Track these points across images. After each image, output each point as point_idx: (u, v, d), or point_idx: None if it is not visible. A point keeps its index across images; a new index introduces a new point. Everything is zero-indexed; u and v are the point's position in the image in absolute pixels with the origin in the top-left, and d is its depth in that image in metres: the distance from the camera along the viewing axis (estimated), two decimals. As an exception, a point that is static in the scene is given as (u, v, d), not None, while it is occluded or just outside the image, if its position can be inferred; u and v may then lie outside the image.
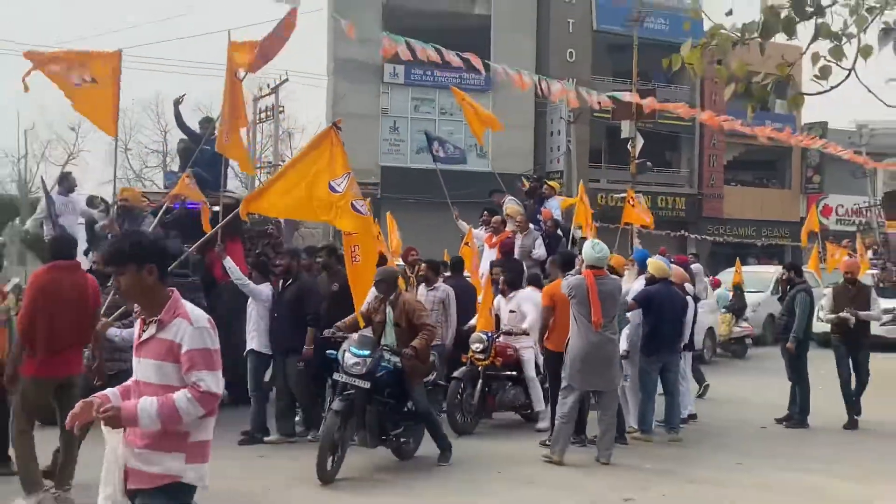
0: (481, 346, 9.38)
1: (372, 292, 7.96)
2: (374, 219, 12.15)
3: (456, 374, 9.49)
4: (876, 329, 11.68)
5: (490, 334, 9.53)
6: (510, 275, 10.22)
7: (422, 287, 10.23)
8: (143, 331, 3.73)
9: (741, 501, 7.13)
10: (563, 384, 8.28)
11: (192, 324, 3.63)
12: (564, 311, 8.52)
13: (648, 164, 29.76)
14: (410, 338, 7.66)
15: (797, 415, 10.41)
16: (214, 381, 3.62)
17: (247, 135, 10.41)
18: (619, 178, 31.21)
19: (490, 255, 11.82)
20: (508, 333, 9.75)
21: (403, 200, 25.52)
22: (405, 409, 7.89)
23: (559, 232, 12.14)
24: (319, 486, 7.08)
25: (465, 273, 11.33)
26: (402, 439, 7.91)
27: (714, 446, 9.20)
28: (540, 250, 11.49)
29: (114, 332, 6.95)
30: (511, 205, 12.23)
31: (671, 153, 36.27)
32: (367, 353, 7.39)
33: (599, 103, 11.89)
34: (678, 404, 9.55)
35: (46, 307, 6.21)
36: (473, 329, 9.75)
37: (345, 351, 7.51)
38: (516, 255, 11.51)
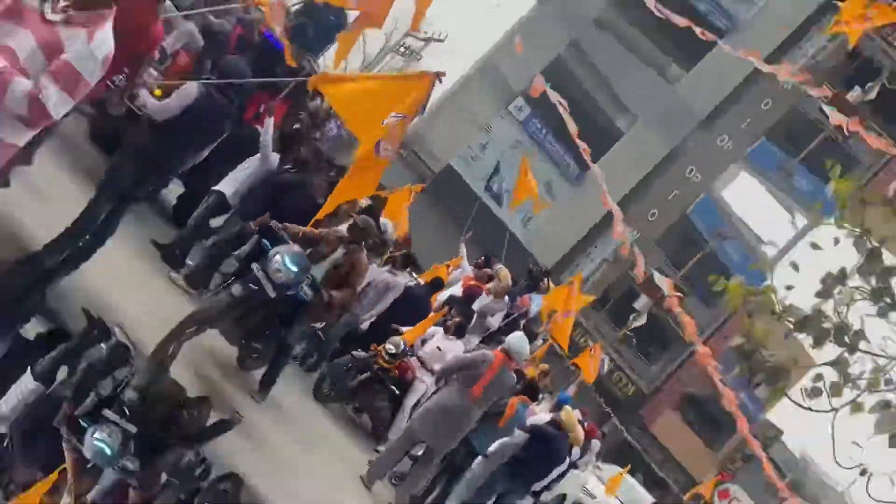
0: (394, 350, 9.36)
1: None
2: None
3: (357, 353, 9.50)
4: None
5: (408, 349, 9.51)
6: (462, 321, 10.22)
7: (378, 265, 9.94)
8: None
9: None
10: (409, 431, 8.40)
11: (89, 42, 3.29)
12: None
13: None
14: (336, 287, 7.42)
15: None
16: (58, 100, 3.28)
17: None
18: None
19: (456, 290, 11.84)
20: (421, 361, 9.72)
21: (442, 202, 25.54)
22: (276, 334, 7.52)
23: (520, 323, 11.92)
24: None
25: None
26: (253, 354, 7.60)
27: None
28: (495, 322, 11.40)
29: (144, 93, 6.74)
30: (506, 271, 12.15)
31: (658, 348, 36.22)
32: (296, 271, 6.95)
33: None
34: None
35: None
36: (400, 333, 9.71)
37: (278, 253, 7.01)
38: (475, 307, 11.40)
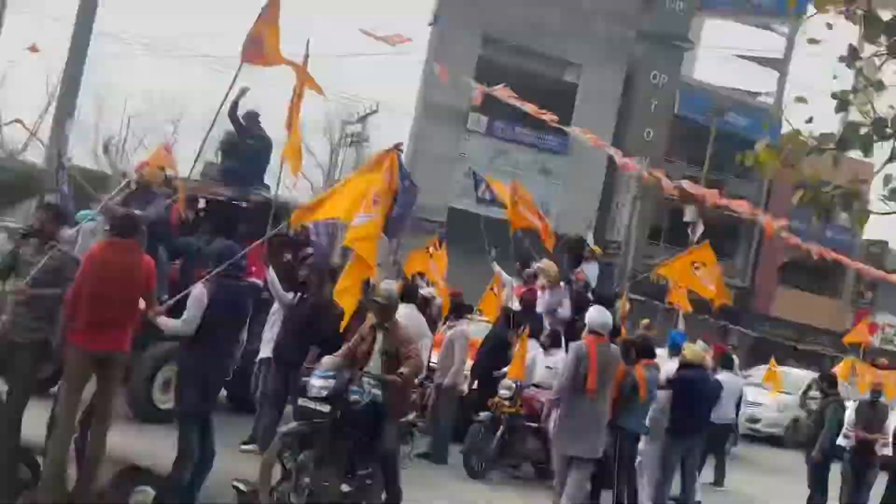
0: (509, 394, 9.29)
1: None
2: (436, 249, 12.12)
3: (480, 416, 9.42)
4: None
5: (520, 382, 9.43)
6: (553, 332, 10.13)
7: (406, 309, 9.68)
8: None
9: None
10: (555, 453, 8.12)
11: None
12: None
13: (705, 249, 29.31)
14: (396, 370, 6.87)
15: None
16: None
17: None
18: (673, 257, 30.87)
19: (515, 304, 11.63)
20: (539, 387, 9.64)
21: (467, 243, 25.56)
22: (375, 449, 6.94)
23: (590, 296, 11.78)
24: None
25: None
26: (367, 481, 6.93)
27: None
28: (566, 311, 11.20)
29: (163, 320, 6.79)
30: (546, 262, 12.04)
31: (730, 243, 35.73)
32: (331, 374, 6.61)
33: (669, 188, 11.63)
34: (695, 486, 9.34)
35: (92, 280, 6.21)
36: (504, 375, 9.65)
37: (310, 378, 6.75)
38: (540, 310, 11.23)
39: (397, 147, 7.83)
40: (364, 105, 37.34)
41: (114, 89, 35.60)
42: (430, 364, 9.67)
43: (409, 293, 9.43)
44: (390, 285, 8.01)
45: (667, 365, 9.56)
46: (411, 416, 7.59)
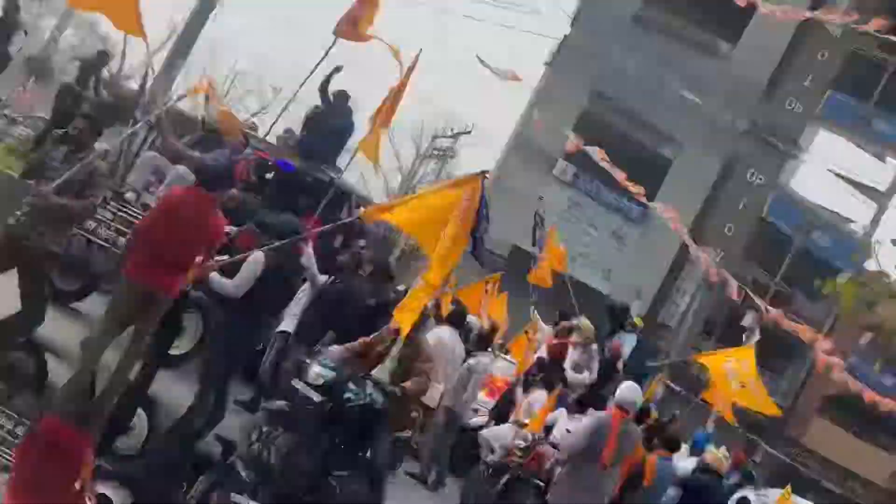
0: (524, 444, 9.18)
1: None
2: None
3: (489, 458, 9.36)
4: None
5: (537, 436, 9.32)
6: (581, 398, 10.01)
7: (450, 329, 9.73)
8: None
9: None
10: None
11: None
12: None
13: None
14: (403, 381, 6.71)
15: None
16: None
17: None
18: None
19: (542, 352, 11.60)
20: (554, 446, 9.47)
21: (518, 284, 25.49)
22: (360, 455, 6.67)
23: (618, 367, 11.64)
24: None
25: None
26: (341, 484, 6.58)
27: None
28: (591, 374, 11.11)
29: (215, 277, 6.92)
30: (585, 321, 11.92)
31: (781, 360, 34.91)
32: (332, 365, 6.43)
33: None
34: None
35: (162, 220, 6.37)
36: (524, 425, 9.56)
37: (312, 363, 6.57)
38: (566, 366, 11.12)
39: (483, 174, 7.89)
40: (460, 123, 37.66)
41: (228, 43, 36.43)
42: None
43: (456, 317, 9.50)
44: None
45: (682, 462, 9.39)
46: (407, 434, 7.50)
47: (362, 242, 9.91)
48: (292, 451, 6.20)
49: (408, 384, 6.57)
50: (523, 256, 29.98)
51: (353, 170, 10.52)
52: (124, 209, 8.24)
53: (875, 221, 35.38)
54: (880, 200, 35.94)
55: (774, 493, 18.99)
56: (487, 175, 8.04)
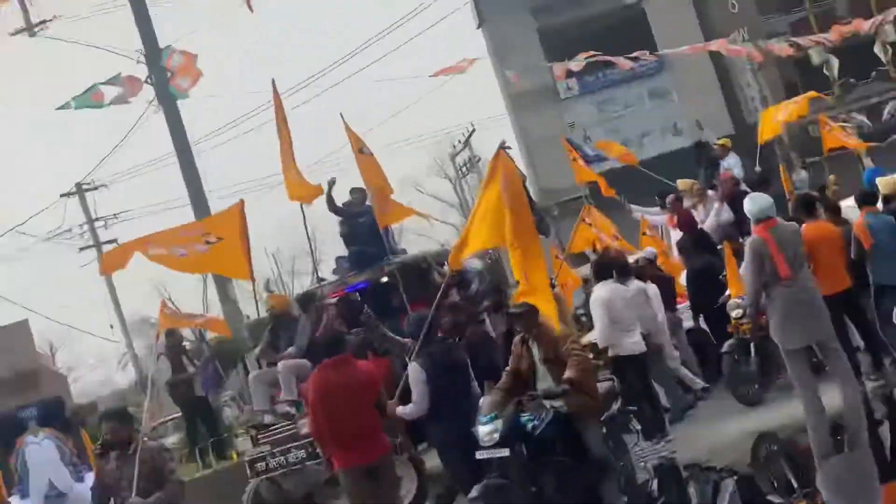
0: (741, 312, 8.95)
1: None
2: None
3: (725, 347, 9.20)
4: None
5: (744, 298, 9.12)
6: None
7: (610, 283, 9.19)
8: None
9: None
10: (783, 350, 7.44)
11: None
12: (825, 250, 8.12)
13: (852, 80, 27.56)
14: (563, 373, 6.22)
15: None
16: None
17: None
18: (824, 107, 29.18)
19: (676, 235, 11.23)
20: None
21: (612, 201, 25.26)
22: (588, 458, 6.19)
23: (743, 188, 11.17)
24: None
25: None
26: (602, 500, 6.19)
27: None
28: (727, 214, 10.84)
29: (400, 409, 7.08)
30: (683, 180, 11.69)
31: (874, 60, 33.36)
32: (492, 416, 5.97)
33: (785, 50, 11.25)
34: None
35: (321, 406, 6.50)
36: (728, 299, 9.38)
37: (475, 428, 6.13)
38: (705, 227, 10.83)
39: (502, 146, 7.90)
40: (461, 132, 37.80)
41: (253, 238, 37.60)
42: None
43: (600, 269, 9.32)
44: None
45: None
46: (616, 406, 6.83)
47: (474, 287, 9.94)
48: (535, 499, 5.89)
49: (569, 373, 6.08)
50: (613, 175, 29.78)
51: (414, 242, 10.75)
52: (273, 432, 8.56)
53: None
54: None
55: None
56: (506, 144, 8.06)
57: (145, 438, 5.97)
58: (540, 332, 6.37)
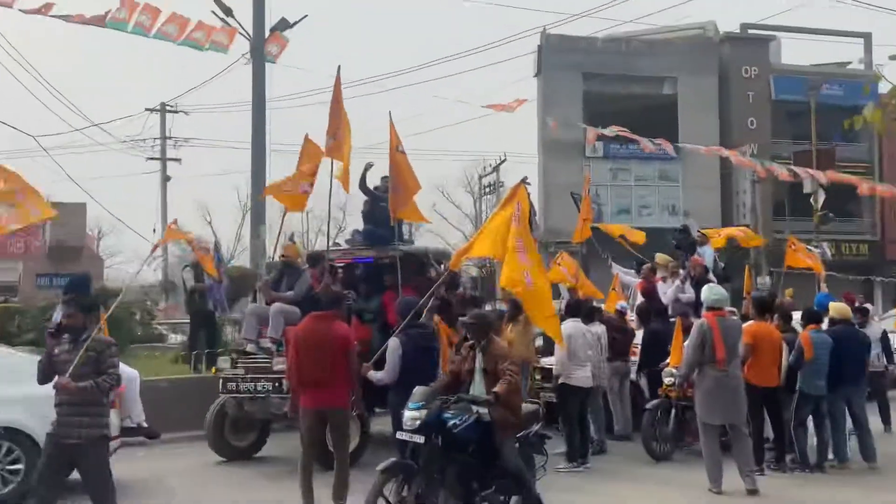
0: (673, 380, 8.87)
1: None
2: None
3: (648, 406, 9.07)
4: None
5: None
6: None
7: (577, 322, 8.97)
8: None
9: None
10: (700, 422, 7.48)
11: None
12: (767, 348, 8.01)
13: (830, 214, 27.36)
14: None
15: None
16: None
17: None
18: (802, 228, 28.99)
19: (640, 299, 11.11)
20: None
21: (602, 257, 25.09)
22: (496, 467, 5.95)
23: (710, 277, 10.92)
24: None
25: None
26: (492, 501, 5.95)
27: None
28: (689, 294, 10.56)
29: (373, 373, 7.02)
30: (661, 255, 11.51)
31: (853, 204, 33.28)
32: (420, 405, 5.75)
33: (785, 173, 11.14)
34: (870, 436, 8.60)
35: (298, 349, 6.50)
36: (666, 366, 9.25)
37: (403, 411, 5.92)
38: (669, 299, 10.62)
39: (523, 180, 7.84)
40: (494, 157, 37.73)
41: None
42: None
43: (572, 308, 9.30)
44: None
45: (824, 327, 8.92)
46: (536, 428, 6.47)
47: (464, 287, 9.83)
48: (426, 494, 5.67)
49: (498, 389, 5.80)
50: (599, 232, 29.67)
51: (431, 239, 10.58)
52: (252, 361, 8.39)
53: (869, 52, 33.74)
54: (862, 34, 34.34)
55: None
56: (527, 180, 8.00)
57: (100, 328, 5.70)
58: (488, 344, 6.15)
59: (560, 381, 8.63)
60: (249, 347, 8.47)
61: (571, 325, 8.78)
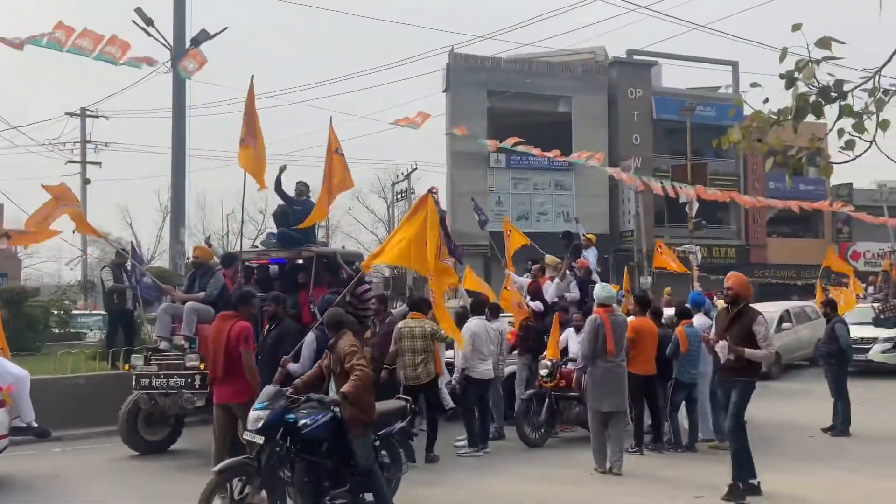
0: (548, 371, 9.01)
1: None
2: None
3: (524, 395, 9.17)
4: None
5: (555, 361, 9.12)
6: (585, 314, 9.80)
7: (480, 319, 8.99)
8: None
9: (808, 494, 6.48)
10: (589, 409, 7.68)
11: None
12: (647, 340, 8.28)
13: (703, 222, 28.63)
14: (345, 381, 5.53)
15: (840, 425, 9.65)
16: None
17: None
18: (679, 234, 30.27)
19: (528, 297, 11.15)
20: (573, 360, 9.16)
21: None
22: (351, 465, 5.56)
23: (593, 278, 11.20)
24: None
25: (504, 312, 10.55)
26: (345, 499, 5.57)
27: (774, 452, 8.14)
28: (574, 293, 10.75)
29: (291, 365, 7.05)
30: (549, 257, 11.77)
31: (722, 212, 35.03)
32: (263, 405, 5.31)
33: (662, 187, 11.60)
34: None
35: (210, 348, 6.43)
36: (543, 358, 9.35)
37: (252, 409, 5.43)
38: (551, 296, 10.72)
39: (430, 190, 7.83)
40: (406, 165, 37.67)
41: (211, 194, 36.41)
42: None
43: (475, 306, 9.31)
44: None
45: (698, 321, 9.26)
46: (400, 425, 6.08)
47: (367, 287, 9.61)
48: (270, 495, 5.22)
49: (346, 388, 5.36)
50: (498, 237, 30.02)
51: (341, 240, 10.36)
52: (164, 357, 8.09)
53: (736, 80, 35.51)
54: (731, 63, 36.13)
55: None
56: (434, 190, 7.99)
57: None
58: (335, 343, 5.67)
59: (464, 373, 8.66)
60: (163, 345, 8.12)
61: (476, 323, 8.82)
